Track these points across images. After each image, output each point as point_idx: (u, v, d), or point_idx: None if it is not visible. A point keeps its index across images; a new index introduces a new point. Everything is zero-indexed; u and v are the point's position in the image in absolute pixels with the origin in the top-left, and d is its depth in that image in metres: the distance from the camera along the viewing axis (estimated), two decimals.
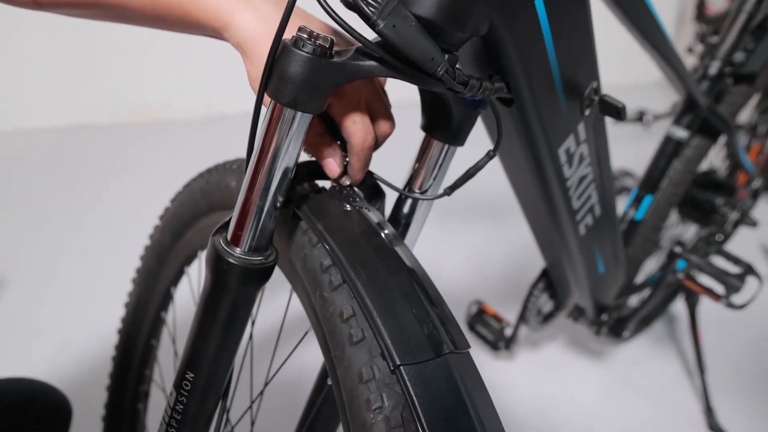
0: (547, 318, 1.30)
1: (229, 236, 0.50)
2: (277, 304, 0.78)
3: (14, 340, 1.41)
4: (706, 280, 1.19)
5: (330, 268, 0.48)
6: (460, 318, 1.40)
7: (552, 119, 0.61)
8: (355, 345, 0.44)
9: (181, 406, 0.56)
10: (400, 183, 0.60)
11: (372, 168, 0.55)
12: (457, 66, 0.45)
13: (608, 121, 0.73)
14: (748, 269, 1.17)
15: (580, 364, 1.46)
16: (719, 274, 1.14)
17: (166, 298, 0.86)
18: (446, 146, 0.55)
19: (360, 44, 0.42)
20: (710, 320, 1.54)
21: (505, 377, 1.40)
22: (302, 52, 0.41)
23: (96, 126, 2.47)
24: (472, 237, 1.86)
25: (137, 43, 2.40)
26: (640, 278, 1.34)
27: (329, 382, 0.60)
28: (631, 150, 2.14)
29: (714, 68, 1.12)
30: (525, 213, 0.89)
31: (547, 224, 0.82)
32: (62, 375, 1.32)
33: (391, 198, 0.58)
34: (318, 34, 0.41)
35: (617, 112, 0.64)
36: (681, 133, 1.13)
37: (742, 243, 1.76)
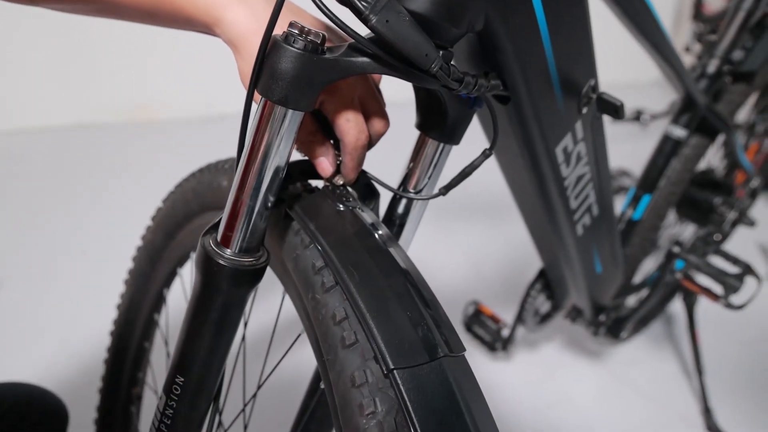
0: (545, 318, 1.30)
1: (219, 237, 0.49)
2: (272, 305, 0.77)
3: (10, 341, 1.39)
4: (704, 280, 1.18)
5: (322, 269, 0.47)
6: (457, 319, 1.39)
7: (549, 117, 0.60)
8: (347, 348, 0.43)
9: (171, 411, 0.55)
10: (395, 182, 0.59)
11: (366, 167, 0.54)
12: (452, 62, 0.44)
13: (606, 120, 0.73)
14: (747, 269, 1.16)
15: (577, 365, 1.46)
16: (717, 274, 1.13)
17: (159, 300, 0.85)
18: (441, 145, 0.54)
19: (352, 40, 0.41)
20: (708, 320, 1.53)
21: (503, 378, 1.39)
22: (293, 48, 0.40)
23: (96, 125, 2.46)
24: (468, 237, 1.85)
25: (136, 43, 2.39)
26: (638, 278, 1.33)
27: (322, 385, 0.59)
28: (629, 149, 2.13)
29: (712, 66, 1.11)
30: (522, 212, 0.88)
31: (544, 224, 0.81)
32: (58, 377, 1.31)
33: (385, 198, 0.57)
34: (309, 29, 0.40)
35: (615, 110, 0.63)
36: (679, 132, 1.12)
37: (740, 243, 1.75)
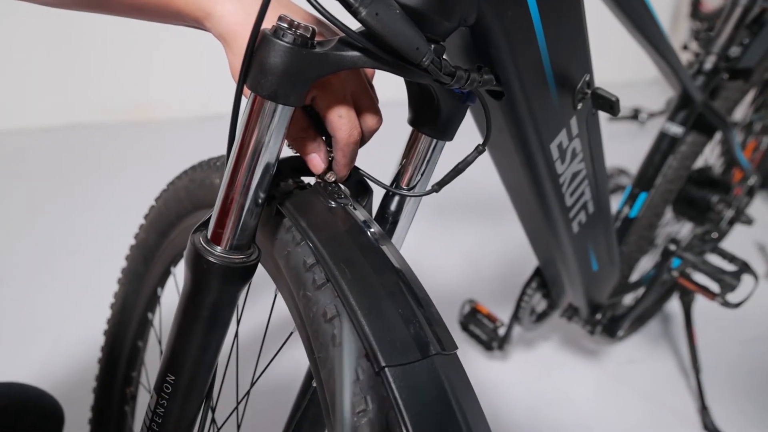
0: (541, 317, 1.29)
1: (209, 234, 0.49)
2: (265, 303, 0.77)
3: (5, 341, 1.39)
4: (701, 278, 1.18)
5: (313, 266, 0.47)
6: (453, 317, 1.39)
7: (543, 113, 0.60)
8: (338, 346, 0.43)
9: (162, 410, 0.55)
10: (387, 179, 0.58)
11: (358, 164, 0.54)
12: (444, 57, 0.44)
13: (603, 118, 0.72)
14: (744, 267, 1.16)
15: (574, 364, 1.45)
16: (714, 273, 1.13)
17: (153, 299, 0.85)
18: (434, 141, 0.54)
19: (343, 34, 0.41)
20: (705, 319, 1.53)
21: (499, 377, 1.39)
22: (282, 42, 0.40)
23: (91, 125, 2.46)
24: (464, 235, 1.85)
25: (133, 42, 2.39)
26: (634, 277, 1.33)
27: (315, 383, 0.58)
28: (626, 148, 2.13)
29: (709, 63, 1.11)
30: (517, 210, 0.88)
31: (539, 221, 0.81)
32: (52, 376, 1.30)
33: (378, 195, 0.57)
34: (299, 23, 0.40)
35: (610, 105, 0.63)
36: (676, 129, 1.12)
37: (737, 241, 1.75)
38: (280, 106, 0.42)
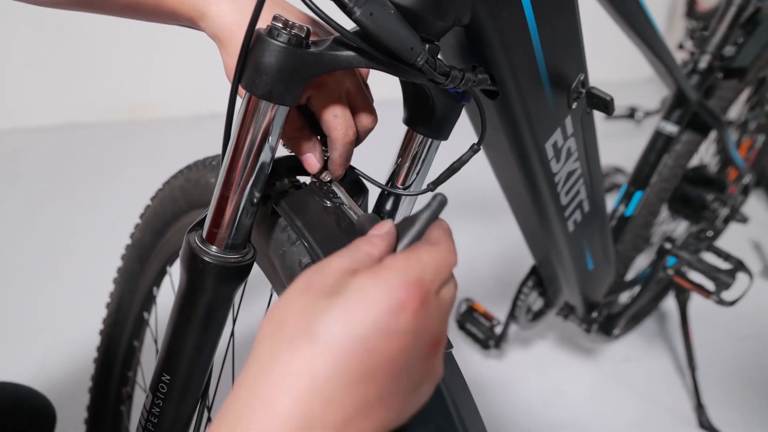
0: (537, 316, 1.30)
1: (204, 234, 0.49)
2: (261, 302, 0.77)
3: (2, 340, 1.39)
4: (696, 276, 1.18)
5: (309, 266, 0.47)
6: (450, 316, 1.39)
7: (538, 112, 0.60)
8: None
9: (158, 409, 0.55)
10: (383, 178, 0.58)
11: (353, 163, 0.54)
12: (438, 56, 0.44)
13: (599, 117, 0.72)
14: (739, 265, 1.16)
15: (570, 362, 1.46)
16: (710, 271, 1.13)
17: (148, 299, 0.85)
18: (429, 140, 0.54)
19: (337, 34, 0.41)
20: (701, 317, 1.53)
21: (495, 375, 1.39)
22: (277, 42, 0.40)
23: (88, 125, 2.45)
24: (460, 234, 1.84)
25: (131, 42, 2.38)
26: (630, 275, 1.33)
27: None
28: (622, 146, 2.13)
29: (704, 62, 1.11)
30: (513, 209, 0.88)
31: (534, 220, 0.81)
32: (48, 376, 1.30)
33: (373, 194, 0.57)
34: (293, 23, 0.40)
35: (605, 105, 0.63)
36: (671, 128, 1.12)
37: (732, 239, 1.75)
38: (275, 106, 0.42)
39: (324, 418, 0.29)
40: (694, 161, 1.27)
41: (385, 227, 0.36)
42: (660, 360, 1.49)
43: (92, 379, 0.97)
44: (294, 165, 0.54)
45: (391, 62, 0.42)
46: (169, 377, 0.54)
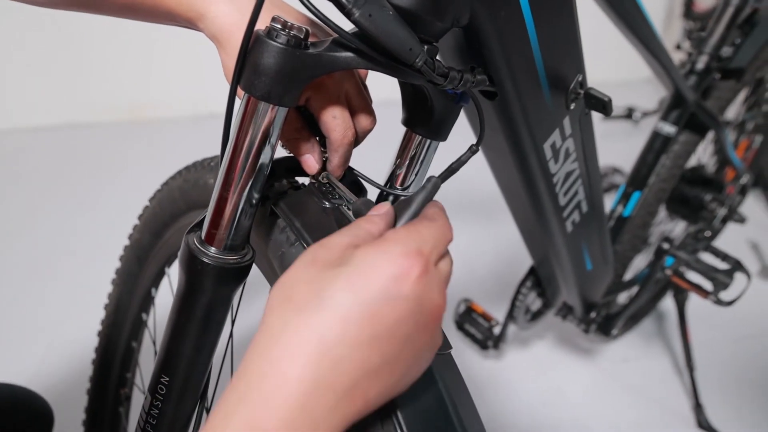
0: (536, 316, 1.30)
1: (203, 235, 0.49)
2: (260, 303, 0.77)
3: (0, 341, 1.39)
4: (694, 276, 1.18)
5: None
6: (449, 316, 1.39)
7: (536, 113, 0.60)
8: None
9: (157, 411, 0.55)
10: (382, 179, 0.59)
11: (352, 164, 0.54)
12: (437, 57, 0.44)
13: (597, 117, 0.72)
14: (737, 265, 1.17)
15: (569, 362, 1.46)
16: (707, 271, 1.13)
17: (147, 300, 0.85)
18: (428, 141, 0.54)
19: (336, 35, 0.41)
20: (699, 317, 1.53)
21: (494, 376, 1.39)
22: (275, 43, 0.40)
23: (87, 125, 2.45)
24: (459, 234, 1.84)
25: (130, 42, 2.38)
26: (628, 275, 1.33)
27: None
28: (620, 147, 2.13)
29: (701, 63, 1.11)
30: (511, 210, 0.88)
31: (533, 221, 0.81)
32: (46, 377, 1.30)
33: (372, 195, 0.57)
34: (292, 24, 0.40)
35: (603, 105, 0.63)
36: (669, 128, 1.12)
37: (730, 239, 1.76)
38: (274, 107, 0.42)
39: (332, 380, 0.31)
40: (692, 162, 1.27)
41: (384, 208, 0.38)
42: (658, 360, 1.49)
43: (90, 381, 0.97)
44: (293, 166, 0.54)
45: (389, 63, 0.42)
46: (167, 378, 0.54)
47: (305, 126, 0.51)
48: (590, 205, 0.85)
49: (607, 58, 2.50)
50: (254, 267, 0.52)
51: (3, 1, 0.50)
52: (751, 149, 1.56)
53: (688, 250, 1.18)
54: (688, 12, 2.39)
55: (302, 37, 0.40)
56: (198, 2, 0.48)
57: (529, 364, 1.44)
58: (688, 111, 1.10)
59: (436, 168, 0.56)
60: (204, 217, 0.49)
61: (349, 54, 0.42)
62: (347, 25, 0.41)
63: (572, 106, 0.64)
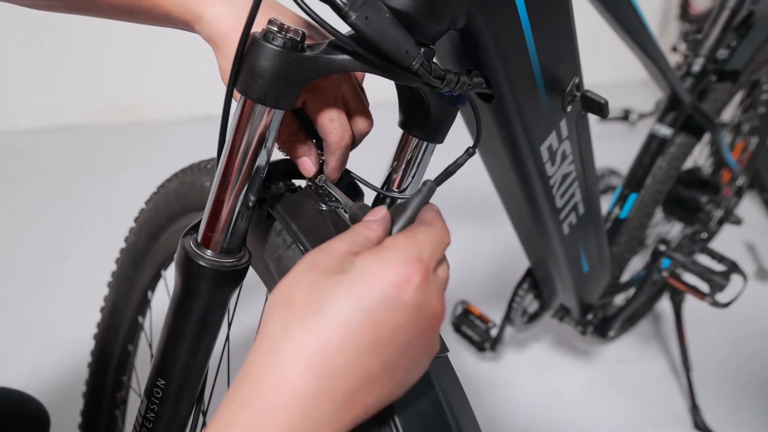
0: (533, 318, 1.30)
1: (199, 238, 0.48)
2: (256, 306, 0.77)
3: None
4: (691, 278, 1.18)
5: None
6: (446, 319, 1.39)
7: (533, 115, 0.60)
8: None
9: (152, 414, 0.55)
10: (378, 182, 0.58)
11: (349, 166, 0.54)
12: (434, 60, 0.44)
13: (594, 119, 0.73)
14: (733, 267, 1.17)
15: (566, 364, 1.46)
16: (704, 273, 1.14)
17: (143, 303, 0.84)
18: (425, 144, 0.54)
19: (333, 37, 0.41)
20: (696, 319, 1.54)
21: (492, 378, 1.39)
22: (272, 46, 0.40)
23: (82, 126, 2.44)
24: (456, 237, 1.83)
25: (125, 44, 2.38)
26: (625, 277, 1.34)
27: None
28: (616, 148, 2.14)
29: (697, 65, 1.11)
30: (508, 212, 0.88)
31: (530, 223, 0.81)
32: (42, 381, 1.29)
33: (369, 198, 0.57)
34: (288, 26, 0.40)
35: (599, 108, 0.63)
36: (665, 130, 1.12)
37: (726, 241, 1.76)
38: (270, 110, 0.42)
39: (333, 387, 0.31)
40: (688, 164, 1.27)
41: (380, 213, 0.38)
42: (655, 361, 1.49)
43: (86, 384, 0.96)
44: (289, 169, 0.54)
45: (386, 66, 0.42)
46: (164, 382, 0.53)
47: (302, 129, 0.51)
48: (587, 207, 0.85)
49: (604, 60, 2.50)
50: (251, 270, 0.52)
51: (1, 4, 0.50)
52: (747, 151, 1.56)
53: (685, 252, 1.18)
54: (684, 14, 2.39)
55: (299, 39, 0.40)
56: (195, 5, 0.48)
57: (526, 366, 1.44)
58: (685, 113, 1.11)
59: (433, 170, 0.56)
60: (200, 220, 0.49)
61: (345, 56, 0.42)
62: (344, 28, 0.41)
63: (569, 109, 0.64)
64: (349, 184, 0.55)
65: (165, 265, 0.79)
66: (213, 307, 0.51)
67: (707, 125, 1.13)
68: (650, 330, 1.59)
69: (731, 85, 1.14)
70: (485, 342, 1.32)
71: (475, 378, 1.37)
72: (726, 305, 1.12)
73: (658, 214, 1.41)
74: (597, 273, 1.07)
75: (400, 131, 0.55)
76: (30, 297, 1.54)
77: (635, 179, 1.17)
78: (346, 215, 0.50)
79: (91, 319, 0.97)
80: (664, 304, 1.64)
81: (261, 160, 0.45)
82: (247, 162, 0.44)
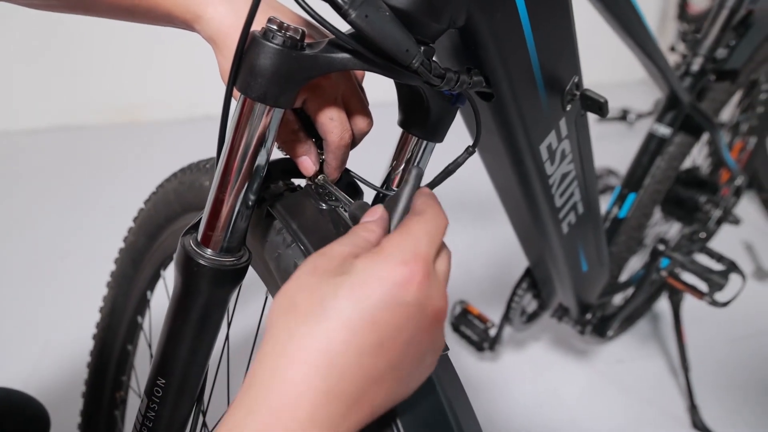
0: (532, 318, 1.30)
1: (199, 237, 0.48)
2: (256, 305, 0.77)
3: None
4: (689, 277, 1.19)
5: None
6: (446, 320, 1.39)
7: (532, 114, 0.60)
8: None
9: (153, 413, 0.55)
10: (378, 181, 0.58)
11: (349, 165, 0.54)
12: (433, 58, 0.44)
13: (592, 119, 0.73)
14: (732, 267, 1.17)
15: (564, 364, 1.46)
16: (702, 272, 1.14)
17: (142, 303, 0.84)
18: (424, 142, 0.54)
19: (332, 36, 0.41)
20: (694, 318, 1.54)
21: (491, 377, 1.39)
22: (271, 44, 0.40)
23: (81, 126, 2.44)
24: (455, 236, 1.85)
25: (125, 44, 2.38)
26: (624, 277, 1.34)
27: None
28: (615, 148, 2.14)
29: (696, 65, 1.11)
30: (507, 211, 0.88)
31: (529, 222, 0.81)
32: (41, 381, 1.29)
33: (368, 197, 0.57)
34: (288, 25, 0.40)
35: (599, 107, 0.63)
36: (664, 130, 1.13)
37: (725, 240, 1.76)
38: (270, 109, 0.42)
39: (340, 390, 0.31)
40: (687, 163, 1.27)
41: (378, 213, 0.39)
42: (653, 361, 1.49)
43: (86, 384, 0.96)
44: (289, 168, 0.54)
45: (386, 64, 0.42)
46: (164, 381, 0.53)
47: (302, 128, 0.51)
48: (586, 206, 0.85)
49: (603, 59, 2.50)
50: (250, 269, 0.52)
51: (1, 4, 0.50)
52: (746, 151, 1.56)
53: (683, 252, 1.18)
54: (683, 14, 2.39)
55: (298, 38, 0.40)
56: (195, 4, 0.48)
57: (525, 366, 1.44)
58: (683, 113, 1.11)
59: (432, 169, 0.56)
60: (200, 219, 0.49)
61: (345, 55, 0.42)
62: (343, 26, 0.41)
63: (568, 108, 0.64)
64: (349, 183, 0.55)
65: (164, 264, 0.79)
66: (213, 306, 0.51)
67: (706, 125, 1.13)
68: (649, 329, 1.59)
69: (730, 84, 1.14)
70: (484, 342, 1.33)
71: (473, 378, 1.37)
72: (725, 305, 1.12)
73: (657, 214, 1.41)
74: (596, 272, 1.08)
75: (400, 130, 0.55)
76: (29, 297, 1.54)
77: (634, 179, 1.17)
78: (346, 214, 0.50)
79: (90, 319, 0.97)
80: (663, 304, 1.64)
81: (261, 159, 0.45)
82: (246, 161, 0.44)
